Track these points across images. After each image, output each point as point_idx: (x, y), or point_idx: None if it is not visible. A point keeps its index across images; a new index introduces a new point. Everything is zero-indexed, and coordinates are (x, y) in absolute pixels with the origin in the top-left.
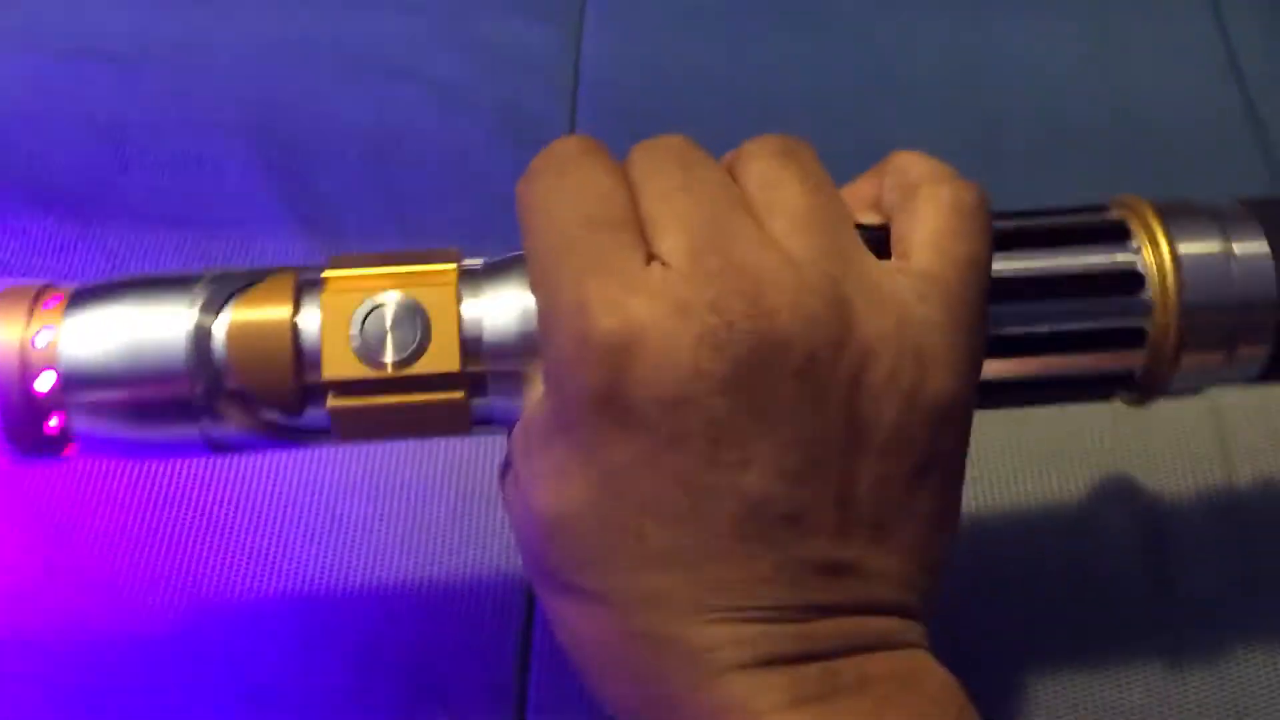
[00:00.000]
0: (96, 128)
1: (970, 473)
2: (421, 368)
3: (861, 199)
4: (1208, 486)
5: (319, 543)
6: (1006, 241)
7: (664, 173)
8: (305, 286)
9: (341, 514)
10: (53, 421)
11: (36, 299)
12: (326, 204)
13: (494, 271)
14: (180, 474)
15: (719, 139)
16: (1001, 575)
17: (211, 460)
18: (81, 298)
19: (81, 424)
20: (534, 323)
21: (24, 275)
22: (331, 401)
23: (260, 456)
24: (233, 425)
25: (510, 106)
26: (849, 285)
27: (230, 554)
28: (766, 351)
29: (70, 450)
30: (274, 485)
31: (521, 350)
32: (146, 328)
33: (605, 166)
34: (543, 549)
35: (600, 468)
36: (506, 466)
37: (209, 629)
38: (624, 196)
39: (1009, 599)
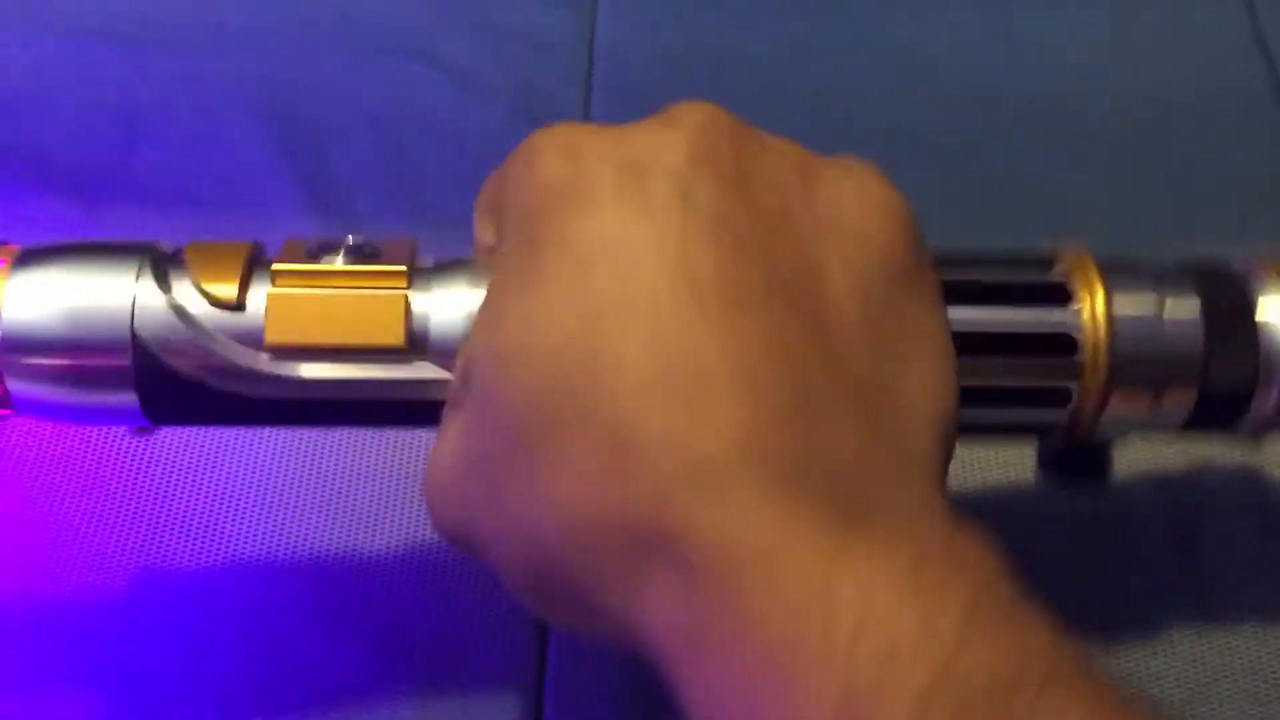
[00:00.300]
0: (106, 108)
1: (994, 448)
2: (365, 269)
3: None
4: (1236, 458)
5: (334, 522)
6: (948, 295)
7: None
8: (255, 268)
9: (352, 497)
10: None
11: None
12: (338, 185)
13: (444, 271)
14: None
15: None
16: (1026, 546)
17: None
18: (28, 259)
19: (17, 386)
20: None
21: None
22: (270, 290)
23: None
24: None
25: (524, 89)
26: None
27: (245, 529)
28: (744, 136)
29: (4, 411)
30: (286, 467)
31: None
32: (89, 294)
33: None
34: (500, 403)
35: (569, 258)
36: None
37: (219, 601)
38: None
39: (1031, 569)
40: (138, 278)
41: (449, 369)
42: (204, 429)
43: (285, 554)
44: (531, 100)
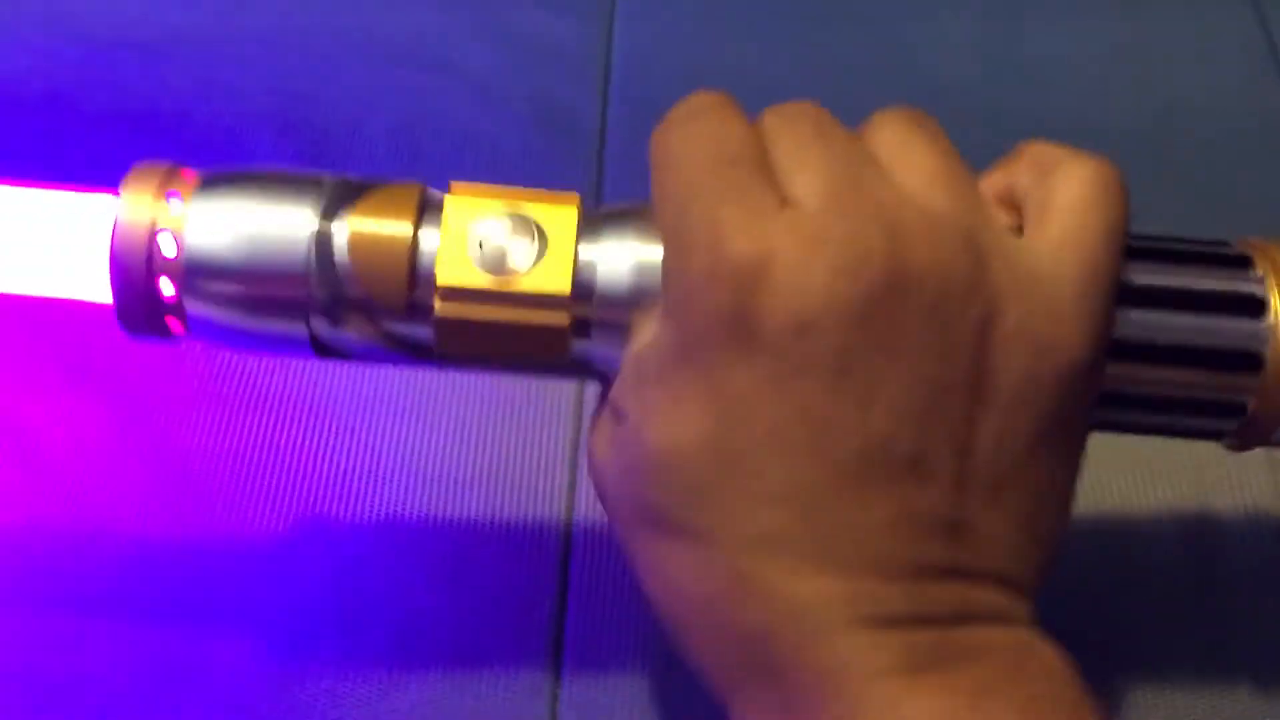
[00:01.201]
0: (124, 115)
1: None
2: (531, 284)
3: (990, 189)
4: (1253, 478)
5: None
6: (1133, 254)
7: (797, 127)
8: (428, 203)
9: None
10: (167, 308)
11: (166, 179)
12: None
13: (613, 219)
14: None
15: None
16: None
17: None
18: (209, 186)
19: (195, 308)
20: (647, 275)
21: None
22: (438, 306)
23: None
24: (344, 330)
25: (542, 99)
26: (983, 236)
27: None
28: (899, 284)
29: (179, 331)
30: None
31: (631, 301)
32: (269, 224)
33: (738, 116)
34: (648, 487)
35: (721, 395)
36: (597, 415)
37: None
38: (757, 143)
39: (1051, 591)
40: (316, 210)
41: (611, 319)
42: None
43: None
44: (549, 109)
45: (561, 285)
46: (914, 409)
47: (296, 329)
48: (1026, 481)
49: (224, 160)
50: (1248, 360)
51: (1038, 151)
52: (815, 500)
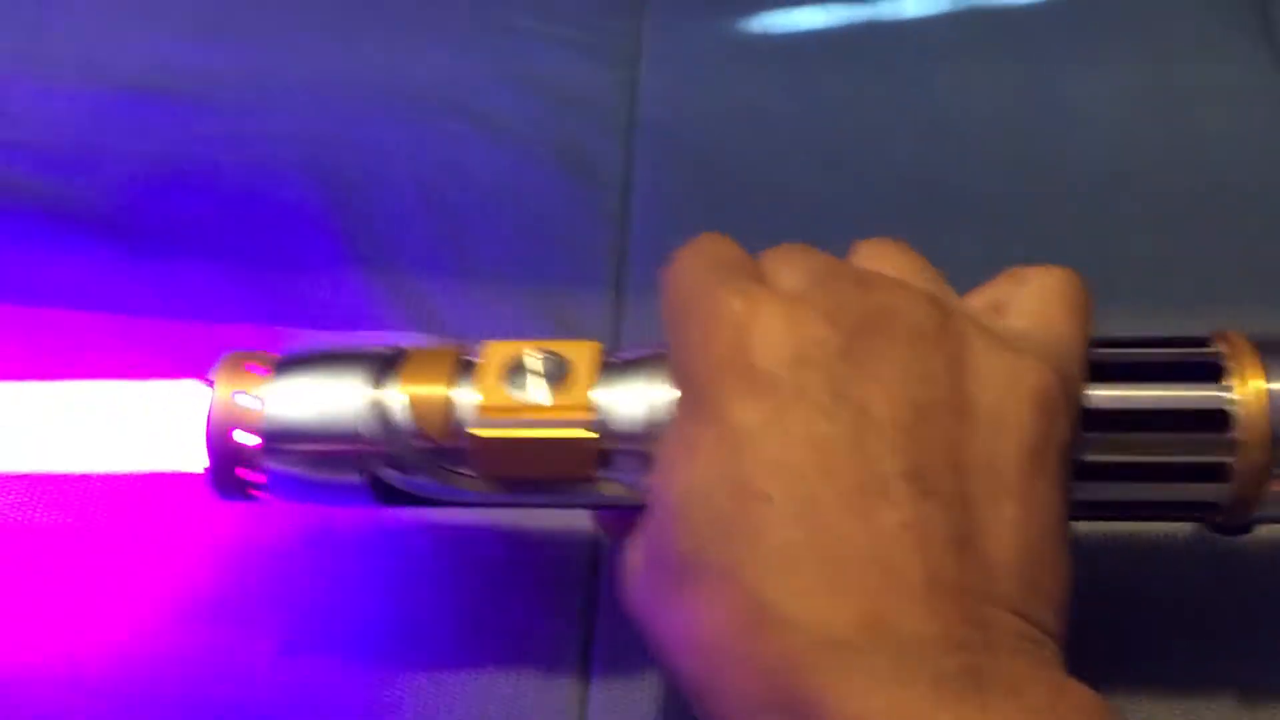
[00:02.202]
0: (156, 160)
1: None
2: (558, 404)
3: (975, 300)
4: None
5: None
6: (1101, 372)
7: (786, 249)
8: (461, 362)
9: None
10: (252, 469)
11: (246, 364)
12: (384, 240)
13: (626, 367)
14: None
15: (776, 181)
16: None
17: None
18: (284, 367)
19: (274, 471)
20: (659, 413)
21: (80, 306)
22: (478, 431)
23: None
24: (413, 475)
25: (568, 146)
26: (949, 302)
27: None
28: (875, 323)
29: (262, 495)
30: None
31: (646, 435)
32: (330, 397)
33: (733, 243)
34: (674, 541)
35: (731, 431)
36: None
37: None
38: (750, 259)
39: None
40: (368, 383)
41: (630, 450)
42: None
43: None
44: (574, 157)
45: (582, 408)
46: (904, 426)
47: (356, 478)
48: (1022, 504)
49: (250, 213)
50: (1214, 471)
51: (1015, 270)
52: (824, 518)
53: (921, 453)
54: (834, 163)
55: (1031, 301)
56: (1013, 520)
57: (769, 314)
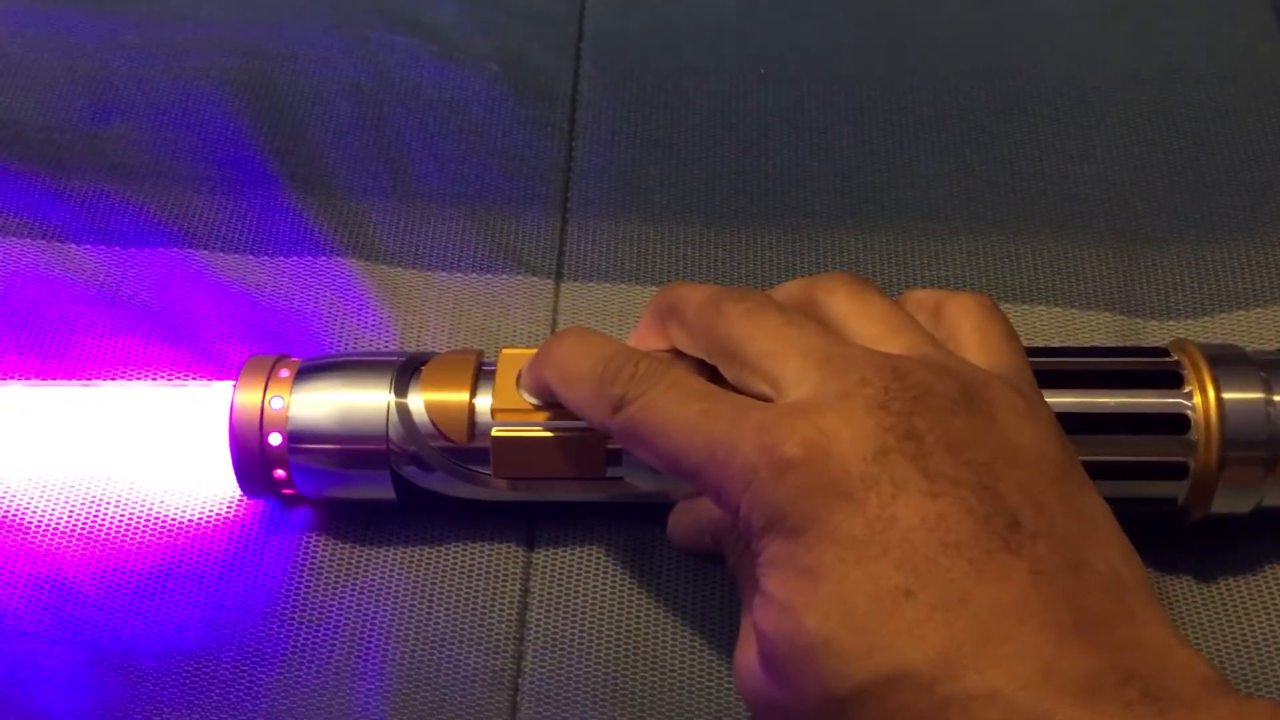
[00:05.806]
0: (79, 77)
1: None
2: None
3: None
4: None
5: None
6: (1074, 380)
7: (760, 320)
8: (481, 370)
9: None
10: (279, 470)
11: (272, 369)
12: (317, 157)
13: None
14: None
15: (727, 92)
16: None
17: None
18: (305, 373)
19: (300, 471)
20: None
21: (4, 233)
22: (494, 432)
23: None
24: (433, 474)
25: (512, 59)
26: (943, 358)
27: None
28: (923, 396)
29: (288, 491)
30: None
31: None
32: (352, 402)
33: (691, 365)
34: (813, 666)
35: (845, 549)
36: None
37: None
38: (708, 371)
39: None
40: (389, 389)
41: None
42: None
43: None
44: (519, 70)
45: None
46: (986, 485)
47: (382, 478)
48: (1092, 517)
49: (176, 130)
50: (1174, 470)
51: (917, 298)
52: (966, 593)
53: (1009, 502)
54: (787, 75)
55: (971, 336)
56: (1099, 532)
57: (826, 433)
